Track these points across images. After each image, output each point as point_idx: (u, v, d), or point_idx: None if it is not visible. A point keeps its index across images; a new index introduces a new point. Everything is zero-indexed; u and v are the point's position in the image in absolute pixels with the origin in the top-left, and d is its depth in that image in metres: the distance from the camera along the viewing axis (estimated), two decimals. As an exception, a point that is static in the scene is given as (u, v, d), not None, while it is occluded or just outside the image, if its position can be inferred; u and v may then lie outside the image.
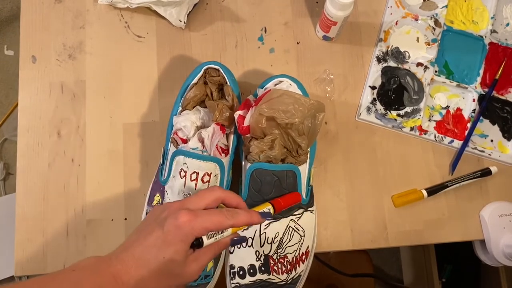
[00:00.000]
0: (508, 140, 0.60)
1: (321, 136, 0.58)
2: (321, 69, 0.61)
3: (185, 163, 0.47)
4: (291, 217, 0.50)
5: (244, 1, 0.62)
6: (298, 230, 0.50)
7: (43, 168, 0.56)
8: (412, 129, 0.59)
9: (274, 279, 0.49)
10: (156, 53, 0.60)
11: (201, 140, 0.49)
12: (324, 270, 0.76)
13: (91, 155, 0.57)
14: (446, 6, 0.62)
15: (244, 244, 0.49)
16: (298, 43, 0.62)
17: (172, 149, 0.50)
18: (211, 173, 0.48)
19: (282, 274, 0.49)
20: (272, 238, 0.49)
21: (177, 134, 0.50)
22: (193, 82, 0.52)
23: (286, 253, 0.49)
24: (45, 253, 0.54)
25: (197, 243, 0.38)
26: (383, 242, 0.56)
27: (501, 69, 0.60)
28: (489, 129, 0.60)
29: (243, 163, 0.51)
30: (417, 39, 0.62)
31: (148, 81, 0.59)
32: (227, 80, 0.52)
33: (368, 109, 0.59)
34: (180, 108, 0.52)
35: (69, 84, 0.59)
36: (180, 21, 0.59)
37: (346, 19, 0.56)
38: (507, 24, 0.63)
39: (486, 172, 0.57)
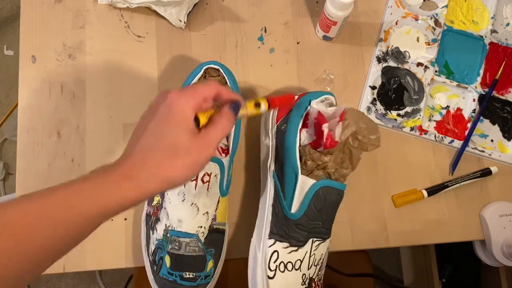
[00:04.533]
0: (508, 140, 0.60)
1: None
2: (321, 69, 0.61)
3: None
4: (329, 238, 0.48)
5: (244, 1, 0.62)
6: (328, 253, 0.49)
7: (43, 168, 0.56)
8: (412, 129, 0.59)
9: None
10: (156, 53, 0.60)
11: None
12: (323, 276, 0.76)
13: (91, 155, 0.57)
14: (446, 6, 0.62)
15: (290, 267, 0.45)
16: (298, 43, 0.62)
17: None
18: (211, 173, 0.48)
19: None
20: (318, 260, 0.46)
21: None
22: (193, 82, 0.52)
23: (321, 276, 0.47)
24: (45, 253, 0.54)
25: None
26: (383, 242, 0.56)
27: (501, 69, 0.60)
28: (489, 129, 0.60)
29: (299, 178, 0.45)
30: (417, 39, 0.62)
31: (148, 81, 0.59)
32: (227, 80, 0.52)
33: (368, 109, 0.59)
34: None
35: (69, 84, 0.59)
36: (180, 21, 0.59)
37: (346, 19, 0.56)
38: (507, 24, 0.63)
39: (486, 172, 0.57)
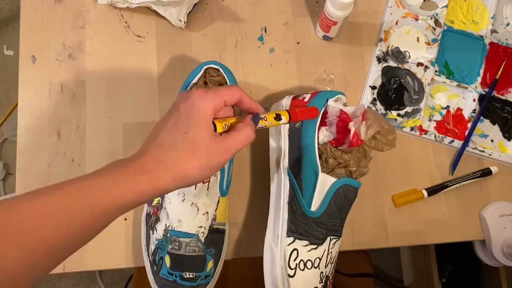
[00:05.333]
0: (509, 140, 0.60)
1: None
2: (321, 69, 0.61)
3: None
4: (342, 237, 0.48)
5: (244, 1, 0.62)
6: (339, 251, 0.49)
7: (43, 168, 0.56)
8: (412, 129, 0.59)
9: None
10: (156, 53, 0.60)
11: None
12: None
13: (91, 155, 0.57)
14: (446, 6, 0.62)
15: (309, 265, 0.45)
16: (298, 43, 0.62)
17: None
18: None
19: None
20: (333, 258, 0.47)
21: None
22: (193, 82, 0.52)
23: (333, 274, 0.48)
24: (45, 253, 0.54)
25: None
26: (383, 242, 0.56)
27: (501, 69, 0.60)
28: (490, 129, 0.60)
29: (320, 175, 0.45)
30: (417, 39, 0.62)
31: (148, 81, 0.59)
32: (227, 80, 0.52)
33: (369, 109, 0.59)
34: None
35: (69, 84, 0.59)
36: (180, 21, 0.59)
37: (346, 19, 0.56)
38: (508, 24, 0.63)
39: (486, 172, 0.57)
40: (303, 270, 0.44)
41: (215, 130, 0.37)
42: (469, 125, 0.59)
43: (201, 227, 0.48)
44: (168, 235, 0.48)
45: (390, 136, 0.47)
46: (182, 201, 0.48)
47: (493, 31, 0.63)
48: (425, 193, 0.56)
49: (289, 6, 0.63)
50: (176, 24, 0.60)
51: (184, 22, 0.59)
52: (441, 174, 0.58)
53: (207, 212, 0.49)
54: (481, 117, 0.60)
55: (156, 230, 0.49)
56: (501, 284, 0.92)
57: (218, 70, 0.52)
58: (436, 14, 0.62)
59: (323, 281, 0.45)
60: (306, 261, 0.45)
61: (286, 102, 0.53)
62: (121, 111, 0.58)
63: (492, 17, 0.63)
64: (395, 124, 0.59)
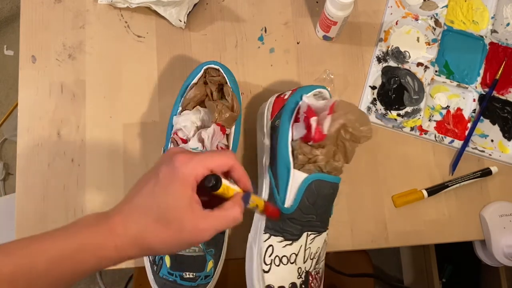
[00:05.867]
0: (509, 140, 0.60)
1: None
2: (321, 69, 0.61)
3: None
4: (327, 231, 0.48)
5: (244, 1, 0.62)
6: (327, 245, 0.49)
7: (43, 168, 0.56)
8: (412, 129, 0.59)
9: None
10: (156, 53, 0.60)
11: (201, 141, 0.49)
12: (324, 270, 0.76)
13: (91, 155, 0.57)
14: (446, 6, 0.62)
15: (285, 261, 0.45)
16: (298, 43, 0.62)
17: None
18: None
19: None
20: (314, 253, 0.47)
21: (177, 134, 0.50)
22: (193, 82, 0.52)
23: (319, 269, 0.48)
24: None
25: (213, 182, 0.33)
26: (383, 242, 0.56)
27: (501, 69, 0.60)
28: (490, 129, 0.60)
29: (291, 172, 0.46)
30: (417, 39, 0.62)
31: (148, 81, 0.59)
32: (227, 80, 0.52)
33: (369, 109, 0.59)
34: (180, 108, 0.52)
35: (69, 84, 0.59)
36: (180, 21, 0.59)
37: (346, 19, 0.56)
38: (508, 24, 0.63)
39: (486, 172, 0.57)
40: (278, 265, 0.45)
41: (213, 188, 0.33)
42: (469, 125, 0.59)
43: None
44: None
45: (364, 127, 0.46)
46: None
47: (493, 31, 0.63)
48: (425, 193, 0.56)
49: (289, 6, 0.63)
50: (176, 24, 0.60)
51: (184, 22, 0.59)
52: (441, 174, 0.58)
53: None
54: (481, 117, 0.60)
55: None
56: (501, 284, 0.92)
57: (218, 70, 0.52)
58: (436, 14, 0.62)
59: (302, 276, 0.45)
60: (282, 257, 0.45)
61: (270, 100, 0.53)
62: (121, 111, 0.58)
63: (492, 17, 0.63)
64: (395, 124, 0.59)
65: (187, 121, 0.50)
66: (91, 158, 0.57)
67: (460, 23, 0.63)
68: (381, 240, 0.56)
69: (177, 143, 0.50)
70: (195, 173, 0.33)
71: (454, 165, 0.58)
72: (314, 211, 0.46)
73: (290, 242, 0.45)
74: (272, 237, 0.46)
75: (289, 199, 0.46)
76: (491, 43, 0.62)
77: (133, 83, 0.59)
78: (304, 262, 0.45)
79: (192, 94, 0.52)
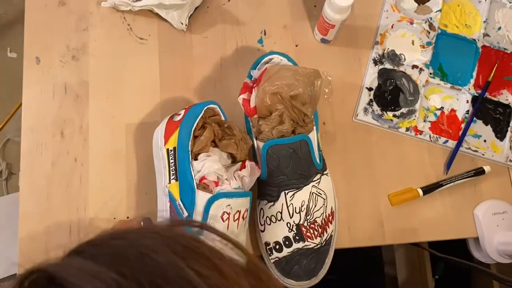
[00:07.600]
0: (501, 140, 0.61)
1: (320, 136, 0.59)
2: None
3: (228, 205, 0.47)
4: (312, 183, 0.52)
5: (244, 5, 0.64)
6: (321, 194, 0.52)
7: (47, 167, 0.57)
8: (407, 129, 0.60)
9: (310, 244, 0.51)
10: (158, 55, 0.61)
11: (240, 179, 0.50)
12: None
13: (94, 154, 0.58)
14: (440, 10, 0.64)
15: (274, 220, 0.51)
16: (296, 46, 0.63)
17: (201, 195, 0.47)
18: (246, 209, 0.50)
19: (316, 238, 0.51)
20: (300, 207, 0.51)
21: (206, 179, 0.48)
22: (195, 125, 0.50)
23: (315, 218, 0.52)
24: (47, 251, 0.55)
25: None
26: (380, 240, 0.57)
27: (493, 71, 0.62)
28: (482, 130, 0.61)
29: (256, 144, 0.53)
30: (412, 42, 0.64)
31: (150, 82, 0.60)
32: (223, 117, 0.53)
33: (365, 110, 0.61)
34: (189, 153, 0.49)
35: (73, 85, 0.60)
36: (182, 23, 0.60)
37: (344, 22, 0.57)
38: (499, 28, 0.65)
39: (479, 172, 0.59)
40: (269, 224, 0.52)
41: None
42: (462, 125, 0.61)
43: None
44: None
45: (293, 92, 0.49)
46: None
47: (486, 34, 0.64)
48: (420, 191, 0.58)
49: (288, 9, 0.64)
50: (178, 26, 0.61)
51: (186, 25, 0.61)
52: (436, 173, 0.60)
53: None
54: (474, 118, 0.61)
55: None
56: (492, 280, 0.94)
57: (213, 109, 0.52)
58: (431, 18, 0.64)
59: (294, 229, 0.51)
60: (271, 217, 0.52)
61: (253, 73, 0.55)
62: (123, 111, 0.59)
63: (485, 21, 0.64)
64: (391, 124, 0.60)
65: (213, 165, 0.48)
66: (94, 158, 0.58)
67: (454, 27, 0.65)
68: (378, 238, 0.57)
69: (208, 186, 0.48)
70: None
71: (449, 164, 0.59)
72: (281, 172, 0.50)
73: (272, 203, 0.51)
74: (261, 201, 0.53)
75: (261, 169, 0.51)
76: (484, 46, 0.64)
77: (135, 84, 0.60)
78: (291, 217, 0.51)
79: (203, 138, 0.50)
